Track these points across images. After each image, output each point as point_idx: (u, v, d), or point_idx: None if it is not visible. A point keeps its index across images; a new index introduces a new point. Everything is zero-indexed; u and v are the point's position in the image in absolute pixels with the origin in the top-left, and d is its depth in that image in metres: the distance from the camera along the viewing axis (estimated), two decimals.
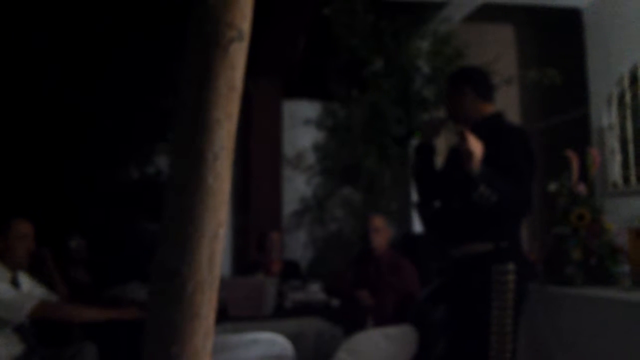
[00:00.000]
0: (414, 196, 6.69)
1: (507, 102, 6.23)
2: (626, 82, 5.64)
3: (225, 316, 3.45)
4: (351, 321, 3.70)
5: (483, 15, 6.41)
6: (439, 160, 3.13)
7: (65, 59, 5.21)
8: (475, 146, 2.56)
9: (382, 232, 4.61)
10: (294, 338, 3.02)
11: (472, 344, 2.72)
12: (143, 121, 5.77)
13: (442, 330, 3.55)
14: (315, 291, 4.40)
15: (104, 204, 5.47)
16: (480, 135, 2.82)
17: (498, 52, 5.76)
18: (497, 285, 2.66)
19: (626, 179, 5.63)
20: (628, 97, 5.64)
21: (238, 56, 1.27)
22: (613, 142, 5.51)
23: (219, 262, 1.25)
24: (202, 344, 1.21)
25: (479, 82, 2.99)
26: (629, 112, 5.64)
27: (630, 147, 5.59)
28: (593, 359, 3.49)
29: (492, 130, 2.83)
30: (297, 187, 7.03)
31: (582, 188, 4.06)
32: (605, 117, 5.60)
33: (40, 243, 3.50)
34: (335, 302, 4.24)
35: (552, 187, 3.80)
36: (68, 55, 5.20)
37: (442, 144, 3.19)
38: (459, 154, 2.81)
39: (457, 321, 2.81)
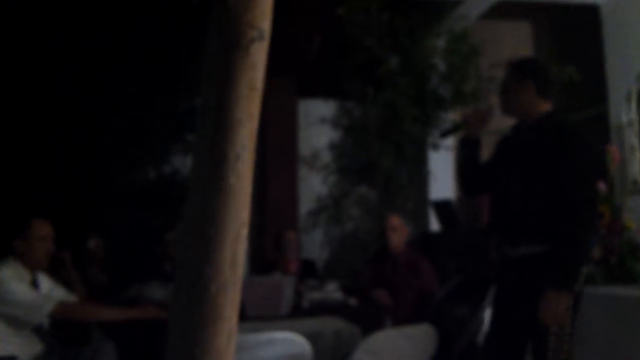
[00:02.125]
0: (431, 195, 6.68)
1: None
2: None
3: (242, 316, 3.44)
4: (369, 321, 3.69)
5: (499, 12, 6.36)
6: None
7: (82, 60, 5.23)
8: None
9: (399, 231, 4.59)
10: (312, 338, 3.01)
11: (530, 344, 2.71)
12: (159, 121, 5.79)
13: (462, 328, 3.53)
14: (332, 290, 4.39)
15: (122, 204, 5.50)
16: (539, 136, 2.79)
17: (515, 49, 5.71)
18: None
19: None
20: None
21: (259, 56, 1.26)
22: (633, 139, 5.45)
23: (241, 262, 1.25)
24: (226, 345, 1.21)
25: (541, 77, 2.87)
26: None
27: None
28: (613, 358, 3.46)
29: (550, 131, 2.78)
30: (313, 187, 7.03)
31: (601, 186, 4.03)
32: (625, 113, 5.54)
33: (58, 243, 3.51)
34: (352, 302, 4.23)
35: None
36: (84, 56, 5.22)
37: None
38: (514, 150, 2.86)
39: (515, 320, 2.77)
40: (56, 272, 3.62)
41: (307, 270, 5.18)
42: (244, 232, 1.25)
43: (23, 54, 5.07)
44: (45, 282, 3.44)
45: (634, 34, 5.38)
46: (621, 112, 5.50)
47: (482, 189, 3.22)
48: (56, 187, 5.16)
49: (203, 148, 1.25)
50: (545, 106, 2.85)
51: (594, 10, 5.88)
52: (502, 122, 3.05)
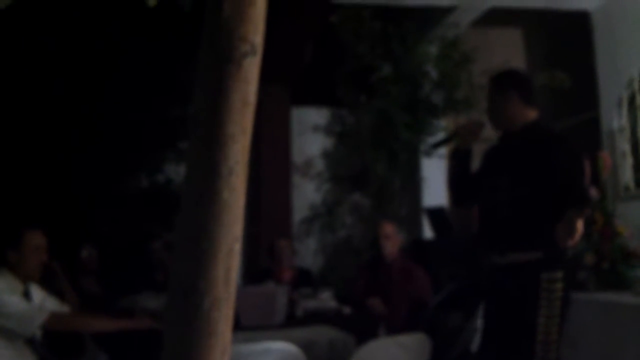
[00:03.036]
0: (424, 201, 6.68)
1: None
2: (636, 85, 5.61)
3: (236, 325, 3.43)
4: (363, 329, 3.68)
5: (491, 19, 6.39)
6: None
7: (76, 69, 5.23)
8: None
9: (393, 239, 4.58)
10: (306, 347, 3.00)
11: (517, 352, 2.70)
12: (153, 130, 5.79)
13: (456, 337, 3.53)
14: (326, 299, 4.37)
15: (115, 213, 5.48)
16: (525, 144, 2.81)
17: (506, 56, 5.74)
18: (545, 293, 2.63)
19: (638, 182, 5.59)
20: (638, 100, 5.60)
21: (251, 70, 1.26)
22: (624, 144, 5.49)
23: (234, 277, 1.24)
24: None
25: (524, 86, 2.90)
26: (639, 115, 5.60)
27: None
28: None
29: (538, 139, 2.80)
30: (306, 194, 7.02)
31: (593, 192, 4.04)
32: (616, 119, 5.58)
33: (51, 253, 3.49)
34: (346, 310, 4.22)
35: None
36: (78, 65, 5.22)
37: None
38: (501, 158, 2.88)
39: (502, 328, 2.77)
40: (48, 283, 3.59)
41: (304, 278, 5.16)
42: (237, 247, 1.25)
43: (14, 63, 5.06)
44: (38, 293, 3.41)
45: (624, 41, 5.42)
46: (612, 118, 5.54)
47: (472, 200, 3.20)
48: (49, 197, 5.14)
49: (196, 162, 1.25)
50: (532, 114, 2.88)
51: (584, 17, 5.92)
52: (492, 131, 3.06)
